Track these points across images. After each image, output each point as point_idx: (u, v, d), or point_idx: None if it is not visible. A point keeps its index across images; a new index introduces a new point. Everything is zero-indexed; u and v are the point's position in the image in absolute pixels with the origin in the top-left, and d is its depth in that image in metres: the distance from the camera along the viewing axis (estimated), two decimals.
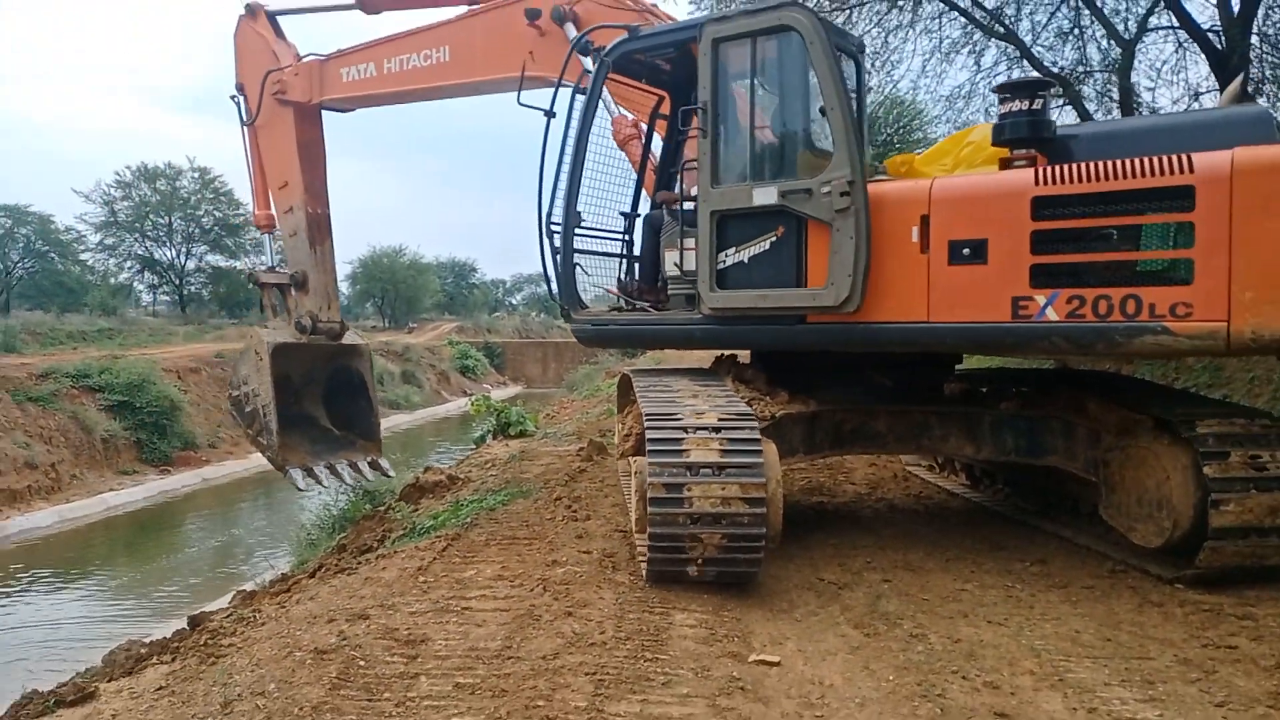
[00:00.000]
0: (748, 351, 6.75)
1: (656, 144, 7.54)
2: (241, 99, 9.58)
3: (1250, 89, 11.91)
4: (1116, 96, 13.25)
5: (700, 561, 4.85)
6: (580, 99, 6.49)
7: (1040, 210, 4.80)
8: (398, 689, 3.84)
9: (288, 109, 9.14)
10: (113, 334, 34.87)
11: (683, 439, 4.94)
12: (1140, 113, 13.04)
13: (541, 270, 6.96)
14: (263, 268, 9.81)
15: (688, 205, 6.15)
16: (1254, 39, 11.70)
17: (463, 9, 8.08)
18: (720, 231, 5.75)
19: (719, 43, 5.72)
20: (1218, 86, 11.85)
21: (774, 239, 5.56)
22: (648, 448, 5.02)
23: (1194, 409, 5.53)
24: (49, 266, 48.18)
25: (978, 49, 13.80)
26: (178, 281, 49.34)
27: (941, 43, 13.83)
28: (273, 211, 9.62)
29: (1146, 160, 4.57)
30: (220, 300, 51.19)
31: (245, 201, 50.20)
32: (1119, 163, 4.63)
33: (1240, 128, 4.72)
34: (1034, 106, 5.18)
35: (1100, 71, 13.88)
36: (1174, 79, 13.53)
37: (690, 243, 6.02)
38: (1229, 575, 5.08)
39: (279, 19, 9.58)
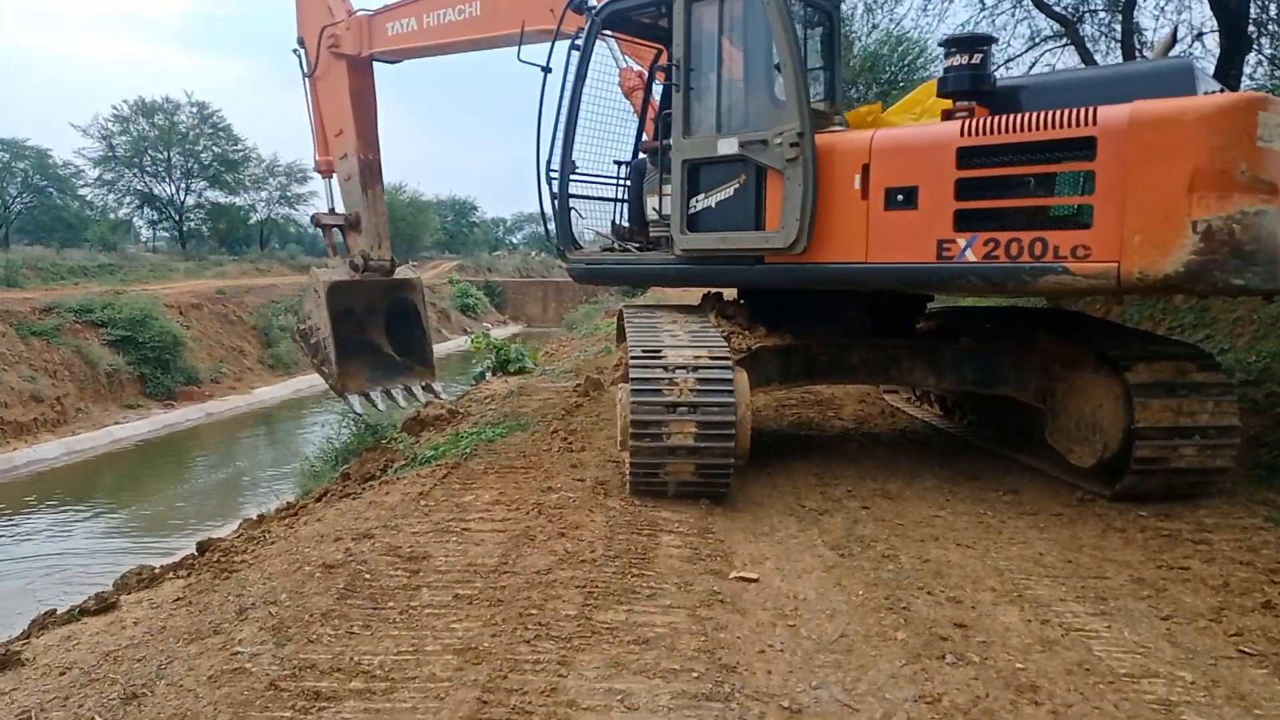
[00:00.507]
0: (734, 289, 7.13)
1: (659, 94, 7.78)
2: (302, 52, 10.16)
3: (1252, 31, 11.88)
4: (1119, 36, 13.17)
5: (677, 407, 5.30)
6: (576, 55, 6.85)
7: (964, 160, 5.17)
8: (401, 599, 4.11)
9: (341, 61, 9.75)
10: (113, 269, 34.90)
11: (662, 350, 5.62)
12: (1140, 55, 13.01)
13: (540, 213, 7.42)
14: (325, 210, 10.53)
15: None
16: None
17: None
18: (691, 179, 6.21)
19: (691, 2, 6.11)
20: (1218, 27, 11.80)
21: (737, 186, 6.01)
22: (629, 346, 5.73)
23: (1131, 341, 6.13)
24: (48, 201, 47.87)
25: None
26: (177, 217, 49.11)
27: None
28: (330, 157, 10.28)
29: (1056, 113, 4.87)
30: (220, 236, 51.06)
31: (244, 136, 50.05)
32: (1034, 115, 4.94)
33: (1163, 80, 5.07)
34: (974, 61, 5.53)
35: (1104, 11, 13.78)
36: (1177, 19, 13.44)
37: (668, 189, 6.43)
38: (1167, 441, 5.42)
39: None
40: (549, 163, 7.08)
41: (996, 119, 5.10)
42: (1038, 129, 4.91)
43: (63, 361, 21.28)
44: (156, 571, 5.55)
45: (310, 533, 5.33)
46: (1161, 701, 3.25)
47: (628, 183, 7.81)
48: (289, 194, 51.87)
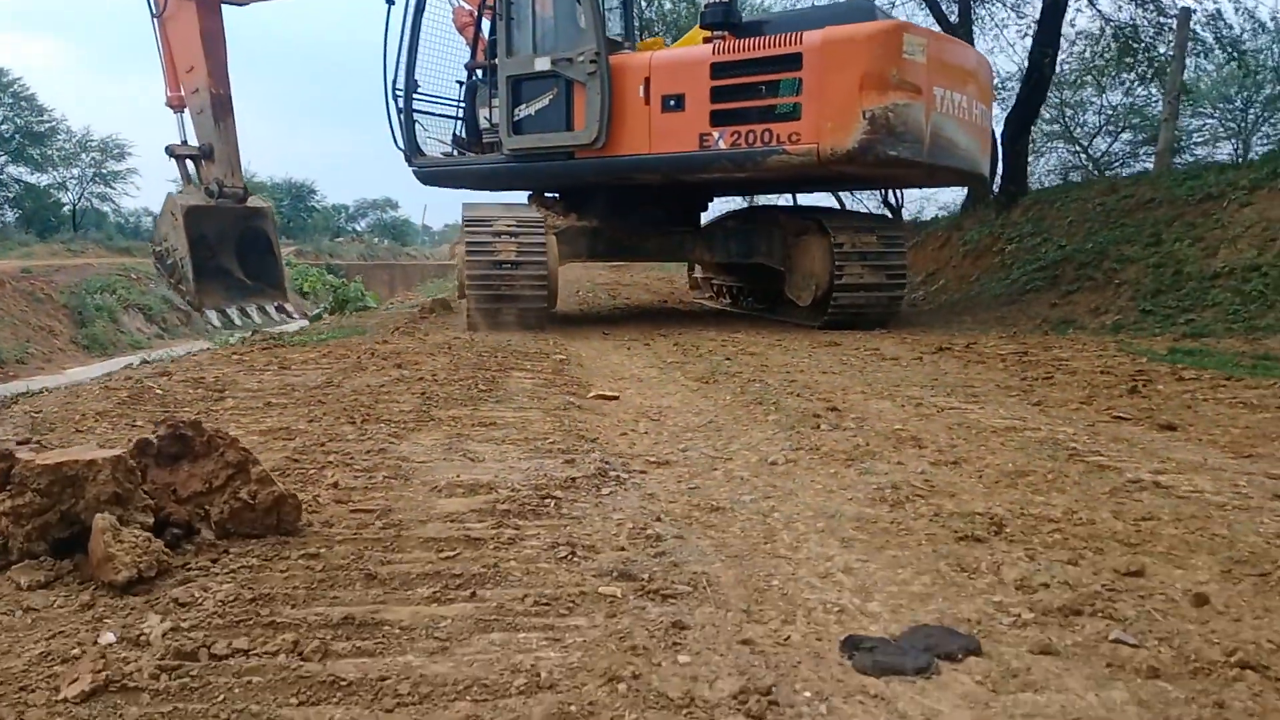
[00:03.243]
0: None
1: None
2: None
3: None
4: None
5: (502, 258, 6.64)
6: None
7: (716, 72, 6.66)
8: (198, 407, 3.49)
9: (190, 2, 10.19)
10: None
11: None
12: None
13: (388, 126, 8.48)
14: (178, 143, 10.99)
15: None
16: None
17: None
18: (514, 91, 7.46)
19: None
20: None
21: (551, 96, 7.29)
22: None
23: (841, 215, 8.40)
24: None
25: None
26: None
27: None
28: (181, 92, 10.76)
29: (777, 36, 6.49)
30: (27, 219, 46.55)
31: (51, 107, 45.64)
32: (762, 38, 6.57)
33: (851, 12, 6.60)
34: (726, 1, 6.94)
35: None
36: None
37: (497, 102, 7.68)
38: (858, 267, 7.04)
39: None
40: (394, 82, 8.21)
41: (738, 41, 6.66)
42: (765, 48, 6.52)
43: None
44: None
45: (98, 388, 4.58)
46: (1047, 440, 3.08)
47: (463, 102, 8.80)
48: (104, 171, 47.82)
